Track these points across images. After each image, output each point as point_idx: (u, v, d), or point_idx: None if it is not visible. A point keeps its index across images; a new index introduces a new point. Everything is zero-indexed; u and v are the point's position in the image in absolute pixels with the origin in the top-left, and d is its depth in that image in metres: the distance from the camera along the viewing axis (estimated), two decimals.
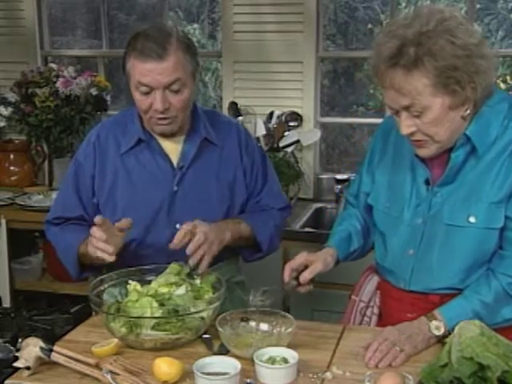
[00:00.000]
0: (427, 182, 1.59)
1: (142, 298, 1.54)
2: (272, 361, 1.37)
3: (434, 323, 1.50)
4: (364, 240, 1.79)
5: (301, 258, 1.63)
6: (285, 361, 1.37)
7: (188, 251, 1.63)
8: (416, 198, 1.60)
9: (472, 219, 1.51)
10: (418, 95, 1.41)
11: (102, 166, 1.83)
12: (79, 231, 1.81)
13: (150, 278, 1.66)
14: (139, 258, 1.76)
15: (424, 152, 1.52)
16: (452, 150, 1.52)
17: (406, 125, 1.46)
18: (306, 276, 1.60)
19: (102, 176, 1.83)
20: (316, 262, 1.62)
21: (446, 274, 1.56)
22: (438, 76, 1.38)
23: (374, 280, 1.76)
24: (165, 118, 1.73)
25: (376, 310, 1.75)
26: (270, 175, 1.96)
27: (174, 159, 1.83)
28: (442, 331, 1.49)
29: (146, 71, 1.66)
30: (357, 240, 1.77)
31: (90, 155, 1.85)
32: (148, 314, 1.50)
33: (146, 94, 1.69)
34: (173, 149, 1.83)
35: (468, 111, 1.46)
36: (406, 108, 1.44)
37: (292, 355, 1.38)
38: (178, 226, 1.80)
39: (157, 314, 1.50)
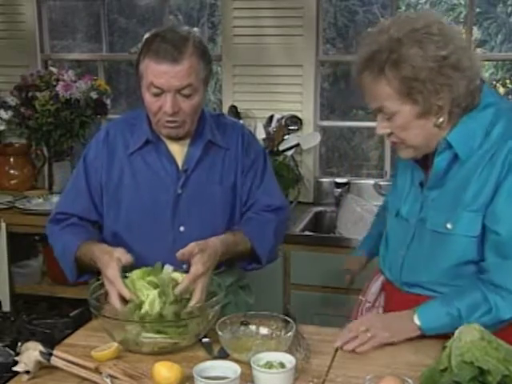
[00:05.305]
0: (421, 185, 1.61)
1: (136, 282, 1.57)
2: (269, 365, 1.36)
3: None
4: None
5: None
6: (282, 365, 1.36)
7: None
8: (412, 198, 1.63)
9: (449, 225, 1.51)
10: (384, 100, 1.46)
11: (109, 164, 1.84)
12: (78, 233, 1.81)
13: None
14: (143, 261, 1.76)
15: (402, 154, 1.57)
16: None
17: (381, 126, 1.52)
18: None
19: (109, 174, 1.84)
20: None
21: (431, 277, 1.57)
22: (400, 84, 1.42)
23: (380, 281, 1.76)
24: (173, 121, 1.73)
25: (381, 311, 1.75)
26: (268, 174, 1.95)
27: (180, 162, 1.83)
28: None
29: (159, 73, 1.67)
30: None
31: (99, 153, 1.86)
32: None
33: (157, 95, 1.70)
34: (179, 151, 1.83)
35: (441, 119, 1.47)
36: (379, 110, 1.50)
37: (289, 360, 1.38)
38: (181, 228, 1.80)
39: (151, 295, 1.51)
